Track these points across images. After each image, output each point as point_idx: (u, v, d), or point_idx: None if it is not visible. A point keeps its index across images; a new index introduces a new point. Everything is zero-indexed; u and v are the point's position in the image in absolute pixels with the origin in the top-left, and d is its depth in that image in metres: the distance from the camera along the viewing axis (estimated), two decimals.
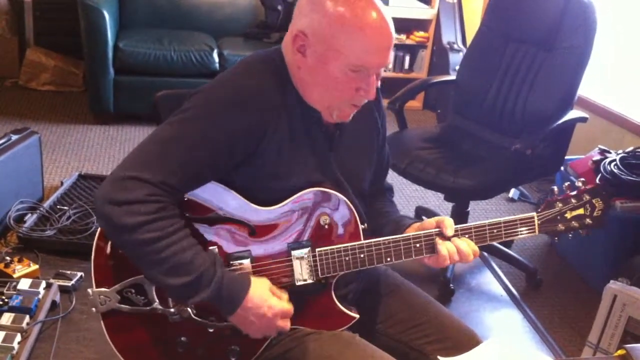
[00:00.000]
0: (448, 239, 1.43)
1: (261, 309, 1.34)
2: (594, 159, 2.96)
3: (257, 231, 1.40)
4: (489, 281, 3.06)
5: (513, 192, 3.86)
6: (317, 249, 1.42)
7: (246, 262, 1.40)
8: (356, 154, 1.55)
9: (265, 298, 1.35)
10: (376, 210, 1.64)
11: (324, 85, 1.38)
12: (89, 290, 1.40)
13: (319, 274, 1.43)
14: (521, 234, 1.47)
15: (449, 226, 1.43)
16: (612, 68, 3.82)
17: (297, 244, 1.42)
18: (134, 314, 1.40)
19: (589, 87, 3.61)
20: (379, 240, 1.42)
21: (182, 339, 1.43)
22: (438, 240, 1.43)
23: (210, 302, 1.31)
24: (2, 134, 3.08)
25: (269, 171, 1.39)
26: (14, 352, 2.14)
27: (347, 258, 1.42)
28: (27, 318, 2.28)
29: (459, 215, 2.94)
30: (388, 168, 1.72)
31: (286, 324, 1.39)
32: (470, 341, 1.52)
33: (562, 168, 3.03)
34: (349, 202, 1.43)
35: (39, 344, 2.28)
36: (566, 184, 1.50)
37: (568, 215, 1.48)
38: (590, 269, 3.06)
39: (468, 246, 1.43)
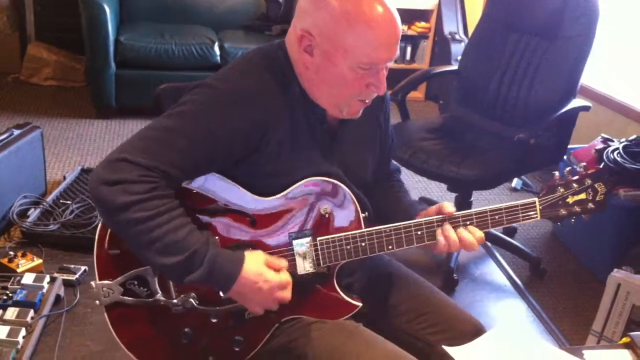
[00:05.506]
0: (453, 221, 1.43)
1: (257, 284, 1.32)
2: (597, 147, 2.94)
3: (258, 221, 1.40)
4: (493, 271, 3.06)
5: (516, 182, 3.85)
6: (318, 238, 1.41)
7: None
8: (359, 146, 1.54)
9: (261, 272, 1.33)
10: (385, 195, 1.63)
11: (333, 83, 1.36)
12: (92, 283, 1.41)
13: (321, 263, 1.43)
14: (523, 220, 1.45)
15: (448, 206, 1.44)
16: (614, 56, 3.80)
17: (298, 234, 1.42)
18: (138, 306, 1.41)
19: (592, 76, 3.60)
20: (380, 229, 1.42)
21: (186, 329, 1.43)
22: (438, 228, 1.43)
23: (205, 280, 1.29)
24: (5, 129, 3.08)
25: (269, 168, 1.38)
26: (19, 346, 2.15)
27: (348, 247, 1.42)
28: (31, 312, 2.29)
29: (462, 206, 2.93)
30: (391, 150, 1.71)
31: (286, 295, 1.37)
32: (474, 331, 1.51)
33: (565, 157, 3.02)
34: (349, 191, 1.43)
35: (43, 338, 2.29)
36: (567, 169, 1.49)
37: (570, 200, 1.47)
38: (593, 257, 3.06)
39: (472, 235, 1.43)
